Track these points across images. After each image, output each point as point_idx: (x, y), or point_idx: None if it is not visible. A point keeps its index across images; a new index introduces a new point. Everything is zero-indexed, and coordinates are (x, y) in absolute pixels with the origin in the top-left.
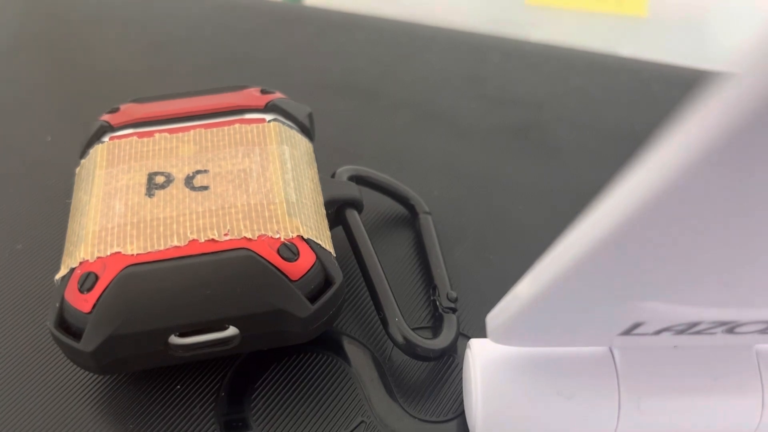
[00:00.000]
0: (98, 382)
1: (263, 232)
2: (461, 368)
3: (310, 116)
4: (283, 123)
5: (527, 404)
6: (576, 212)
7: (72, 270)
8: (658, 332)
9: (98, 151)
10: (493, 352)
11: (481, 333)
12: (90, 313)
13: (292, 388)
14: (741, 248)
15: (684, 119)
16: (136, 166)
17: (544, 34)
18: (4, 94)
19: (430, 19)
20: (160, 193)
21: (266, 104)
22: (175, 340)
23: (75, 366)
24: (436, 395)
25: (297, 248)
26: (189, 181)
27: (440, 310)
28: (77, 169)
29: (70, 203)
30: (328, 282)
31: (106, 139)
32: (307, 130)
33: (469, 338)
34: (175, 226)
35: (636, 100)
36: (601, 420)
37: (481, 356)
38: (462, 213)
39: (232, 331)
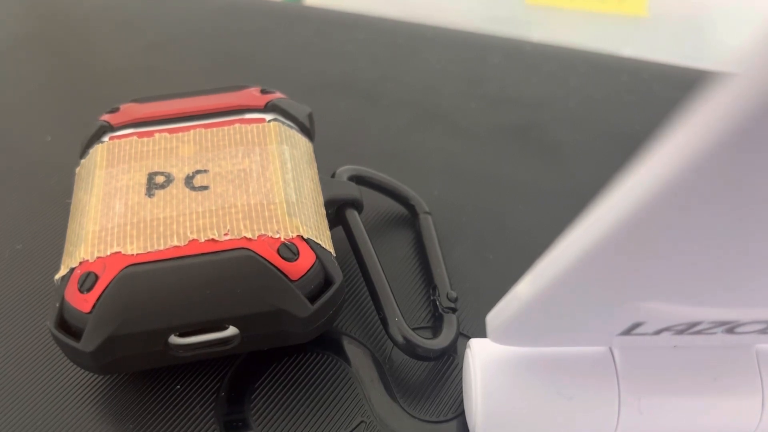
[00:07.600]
0: (98, 382)
1: (263, 232)
2: (461, 368)
3: (310, 116)
4: (283, 123)
5: (527, 404)
6: (576, 212)
7: (72, 270)
8: (658, 332)
9: (98, 151)
10: (493, 352)
11: (481, 333)
12: (90, 313)
13: (292, 388)
14: (741, 248)
15: (684, 119)
16: (136, 166)
17: (544, 34)
18: (4, 94)
19: (430, 19)
20: (160, 193)
21: (266, 104)
22: (174, 340)
23: (75, 366)
24: (436, 395)
25: (297, 248)
26: (189, 181)
27: (440, 310)
28: (77, 169)
29: (70, 203)
30: (328, 282)
31: (106, 139)
32: (307, 130)
33: (469, 338)
34: (175, 226)
35: (636, 100)
36: (601, 420)
37: (481, 356)
38: (462, 213)
39: (231, 331)
